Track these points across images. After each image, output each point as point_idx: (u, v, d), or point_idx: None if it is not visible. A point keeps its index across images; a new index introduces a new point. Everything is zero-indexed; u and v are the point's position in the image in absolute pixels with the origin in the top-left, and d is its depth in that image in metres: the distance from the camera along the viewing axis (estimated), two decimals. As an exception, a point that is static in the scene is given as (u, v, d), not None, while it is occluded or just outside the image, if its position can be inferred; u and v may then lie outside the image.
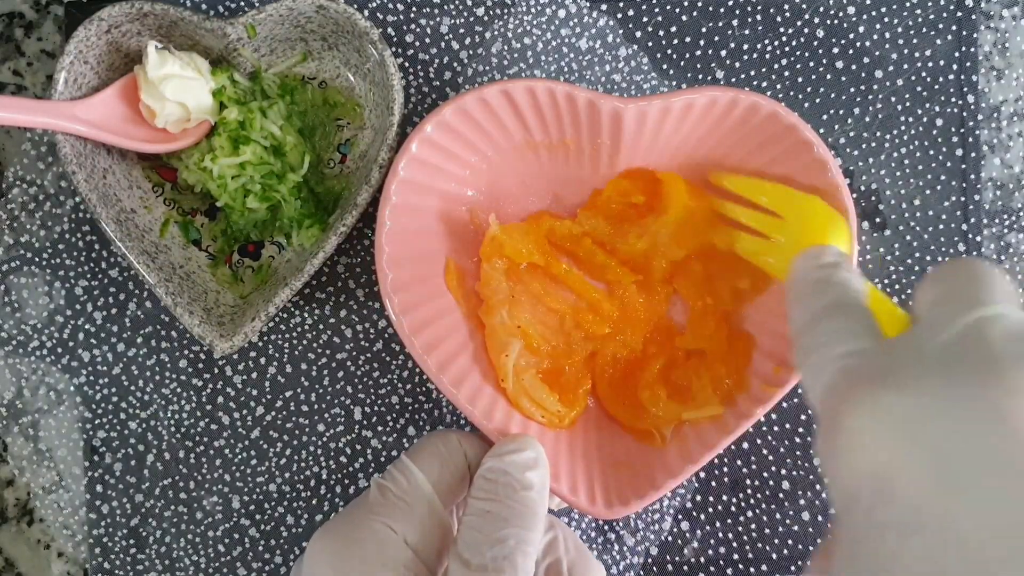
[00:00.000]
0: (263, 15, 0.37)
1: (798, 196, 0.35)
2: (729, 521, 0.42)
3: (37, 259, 0.42)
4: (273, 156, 0.39)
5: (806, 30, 0.42)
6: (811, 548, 0.42)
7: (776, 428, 0.42)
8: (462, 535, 0.29)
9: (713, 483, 0.42)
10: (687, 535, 0.42)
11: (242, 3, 0.41)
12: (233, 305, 0.40)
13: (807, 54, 0.42)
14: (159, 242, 0.40)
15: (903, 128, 0.42)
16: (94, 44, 0.37)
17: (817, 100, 0.42)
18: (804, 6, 0.42)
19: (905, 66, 0.42)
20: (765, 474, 0.42)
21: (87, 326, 0.42)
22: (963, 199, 0.42)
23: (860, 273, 0.29)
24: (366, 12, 0.41)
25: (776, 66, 0.42)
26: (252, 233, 0.41)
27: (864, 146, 0.42)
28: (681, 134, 0.37)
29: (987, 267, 0.23)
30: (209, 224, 0.41)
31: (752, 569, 0.42)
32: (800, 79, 0.42)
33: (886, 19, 0.42)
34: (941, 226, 0.42)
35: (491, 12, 0.42)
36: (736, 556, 0.42)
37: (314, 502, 0.42)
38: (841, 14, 0.42)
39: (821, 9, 0.42)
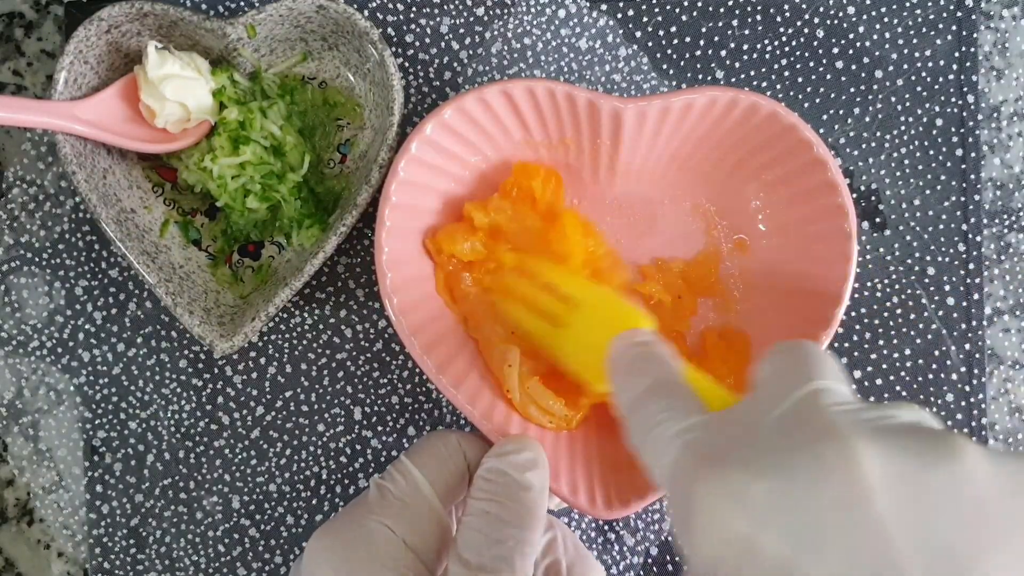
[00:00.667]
0: (263, 15, 0.37)
1: (605, 294, 0.34)
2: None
3: (37, 259, 0.42)
4: (273, 156, 0.39)
5: (806, 30, 0.42)
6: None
7: (776, 428, 0.42)
8: (461, 535, 0.29)
9: (713, 483, 0.42)
10: (687, 535, 0.42)
11: (242, 3, 0.41)
12: (233, 305, 0.40)
13: (807, 54, 0.42)
14: (159, 242, 0.40)
15: (903, 128, 0.42)
16: (94, 44, 0.37)
17: (817, 100, 0.42)
18: (804, 6, 0.42)
19: (905, 66, 0.42)
20: (765, 474, 0.41)
21: (87, 326, 0.42)
22: (963, 199, 0.42)
23: (674, 352, 0.29)
24: (366, 12, 0.41)
25: (776, 66, 0.42)
26: (252, 233, 0.41)
27: (864, 146, 0.42)
28: (681, 134, 0.37)
29: (818, 348, 0.25)
30: (209, 224, 0.41)
31: (752, 569, 0.42)
32: (800, 79, 0.42)
33: (886, 19, 0.42)
34: (941, 226, 0.42)
35: (491, 12, 0.42)
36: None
37: (314, 502, 0.42)
38: (841, 14, 0.42)
39: (821, 9, 0.42)
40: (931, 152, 0.42)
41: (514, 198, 0.38)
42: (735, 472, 0.21)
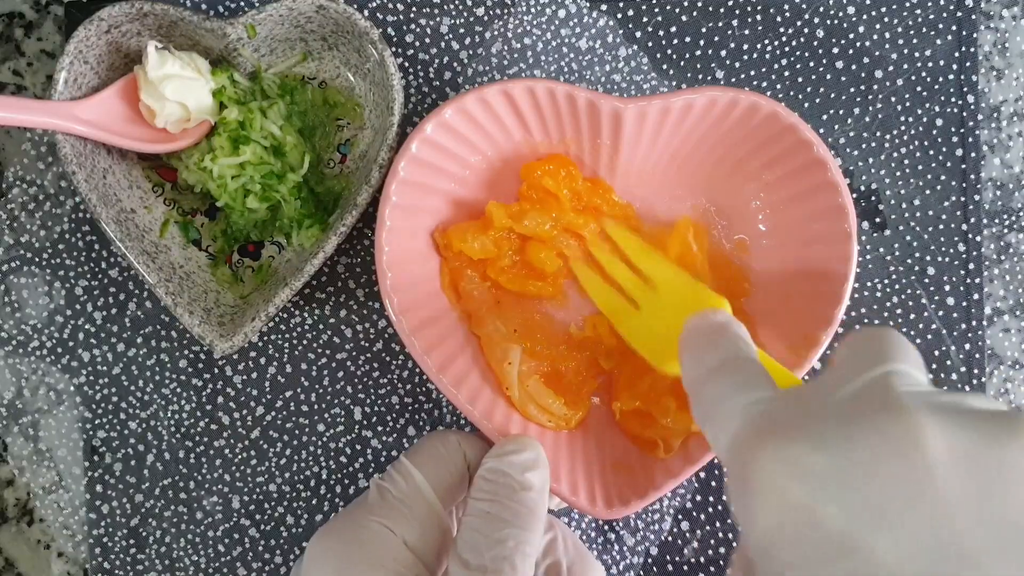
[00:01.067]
0: (263, 15, 0.37)
1: (682, 277, 0.34)
2: (729, 521, 0.42)
3: (37, 259, 0.42)
4: (273, 156, 0.39)
5: (806, 30, 0.42)
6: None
7: (776, 428, 0.42)
8: (462, 536, 0.29)
9: (713, 483, 0.42)
10: (687, 535, 0.42)
11: (242, 3, 0.41)
12: (233, 305, 0.40)
13: (807, 54, 0.42)
14: (159, 242, 0.40)
15: (903, 128, 0.42)
16: (94, 44, 0.37)
17: (817, 100, 0.42)
18: (804, 6, 0.42)
19: (905, 66, 0.42)
20: (765, 474, 0.41)
21: (87, 326, 0.42)
22: (963, 199, 0.42)
23: (748, 335, 0.29)
24: (366, 12, 0.41)
25: (776, 66, 0.42)
26: (252, 233, 0.41)
27: (864, 146, 0.42)
28: (681, 134, 0.37)
29: (899, 335, 0.25)
30: (209, 224, 0.41)
31: (752, 569, 0.42)
32: (800, 79, 0.42)
33: (886, 19, 0.42)
34: (941, 226, 0.42)
35: (491, 12, 0.42)
36: (736, 556, 0.42)
37: (314, 502, 0.42)
38: (841, 14, 0.42)
39: (821, 9, 0.42)
40: (931, 152, 0.42)
41: (536, 200, 0.38)
42: (796, 442, 0.21)
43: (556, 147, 0.38)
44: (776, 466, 0.21)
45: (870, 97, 0.42)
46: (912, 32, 0.42)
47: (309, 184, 0.40)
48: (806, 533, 0.20)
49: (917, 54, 0.42)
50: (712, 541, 0.42)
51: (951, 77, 0.42)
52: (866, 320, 0.42)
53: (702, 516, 0.42)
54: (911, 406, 0.20)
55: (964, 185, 0.42)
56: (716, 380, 0.26)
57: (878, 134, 0.42)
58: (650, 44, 0.42)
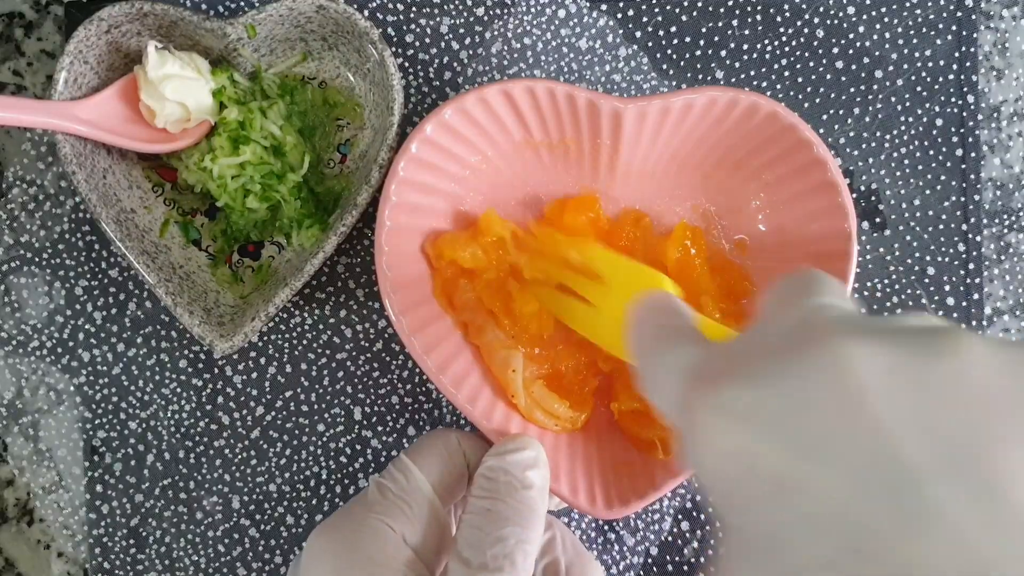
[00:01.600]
0: (263, 15, 0.37)
1: (624, 263, 0.34)
2: (729, 521, 0.42)
3: (37, 259, 0.42)
4: (273, 156, 0.39)
5: (806, 30, 0.42)
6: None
7: (776, 428, 0.41)
8: (462, 533, 0.29)
9: (713, 483, 0.42)
10: (687, 535, 0.42)
11: (242, 3, 0.41)
12: (233, 305, 0.40)
13: (807, 54, 0.42)
14: (159, 242, 0.40)
15: (903, 128, 0.42)
16: (94, 44, 0.37)
17: (817, 100, 0.42)
18: (804, 6, 0.42)
19: (905, 66, 0.42)
20: (765, 474, 0.41)
21: (87, 326, 0.42)
22: (963, 199, 0.42)
23: (690, 308, 0.29)
24: (366, 12, 0.41)
25: (776, 66, 0.42)
26: (252, 233, 0.41)
27: (864, 146, 0.42)
28: (680, 134, 0.37)
29: (823, 273, 0.24)
30: (209, 224, 0.41)
31: (752, 569, 0.42)
32: (800, 79, 0.42)
33: (886, 19, 0.42)
34: (941, 226, 0.42)
35: (491, 12, 0.42)
36: (736, 556, 0.42)
37: (314, 502, 0.42)
38: (841, 14, 0.42)
39: (821, 9, 0.42)
40: (931, 152, 0.42)
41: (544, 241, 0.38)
42: (726, 384, 0.20)
43: (556, 147, 0.38)
44: (709, 413, 0.20)
45: (870, 97, 0.42)
46: (912, 32, 0.42)
47: (309, 184, 0.40)
48: (748, 474, 0.19)
49: (917, 54, 0.42)
50: (712, 541, 0.42)
51: (951, 77, 0.42)
52: (866, 320, 0.42)
53: (702, 516, 0.42)
54: (837, 332, 0.19)
55: (964, 185, 0.42)
56: (655, 351, 0.26)
57: (878, 134, 0.42)
58: (650, 44, 0.42)
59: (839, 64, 0.42)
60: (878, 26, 0.42)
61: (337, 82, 0.41)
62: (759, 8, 0.42)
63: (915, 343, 0.19)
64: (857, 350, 0.18)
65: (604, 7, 0.42)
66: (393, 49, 0.42)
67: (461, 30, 0.42)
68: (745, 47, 0.42)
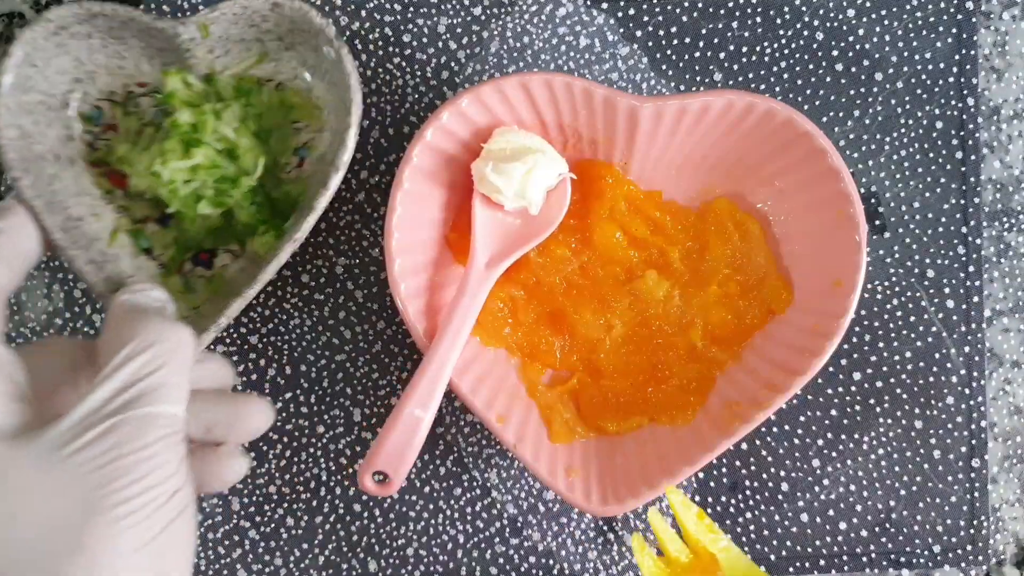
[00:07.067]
0: (216, 14, 0.36)
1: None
2: (728, 522, 0.42)
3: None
4: (227, 160, 0.38)
5: (806, 32, 0.41)
6: (810, 549, 0.42)
7: (775, 430, 0.42)
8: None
9: (712, 484, 0.42)
10: (686, 536, 0.42)
11: (199, 4, 0.41)
12: (185, 316, 0.38)
13: (806, 56, 0.42)
14: (107, 251, 0.38)
15: (903, 130, 0.42)
16: (41, 46, 0.36)
17: (817, 102, 0.42)
18: (803, 8, 0.41)
19: (905, 68, 0.42)
20: (764, 476, 0.42)
21: (86, 328, 0.42)
22: (963, 201, 0.42)
23: None
24: (363, 12, 0.41)
25: (776, 68, 0.42)
26: (205, 241, 0.39)
27: (864, 148, 0.42)
28: (695, 136, 0.37)
29: None
30: (161, 231, 0.40)
31: (751, 570, 0.42)
32: (799, 81, 0.42)
33: (886, 21, 0.41)
34: (941, 228, 0.42)
35: (488, 12, 0.42)
36: (735, 557, 0.42)
37: (314, 504, 0.42)
38: (841, 16, 0.41)
39: (821, 11, 0.41)
40: (931, 154, 0.42)
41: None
42: None
43: (571, 141, 0.38)
44: None
45: (870, 99, 0.42)
46: (912, 34, 0.42)
47: (265, 189, 0.39)
48: None
49: (917, 56, 0.42)
50: (711, 542, 0.42)
51: (951, 79, 0.42)
52: (865, 323, 0.42)
53: (701, 517, 0.42)
54: None
55: (964, 187, 0.42)
56: None
57: (878, 136, 0.42)
58: (650, 44, 0.42)
59: (839, 66, 0.42)
60: (878, 28, 0.41)
61: (295, 83, 0.39)
62: (759, 9, 0.41)
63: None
64: None
65: (604, 6, 0.41)
66: (391, 49, 0.41)
67: (458, 30, 0.42)
68: (744, 48, 0.42)
